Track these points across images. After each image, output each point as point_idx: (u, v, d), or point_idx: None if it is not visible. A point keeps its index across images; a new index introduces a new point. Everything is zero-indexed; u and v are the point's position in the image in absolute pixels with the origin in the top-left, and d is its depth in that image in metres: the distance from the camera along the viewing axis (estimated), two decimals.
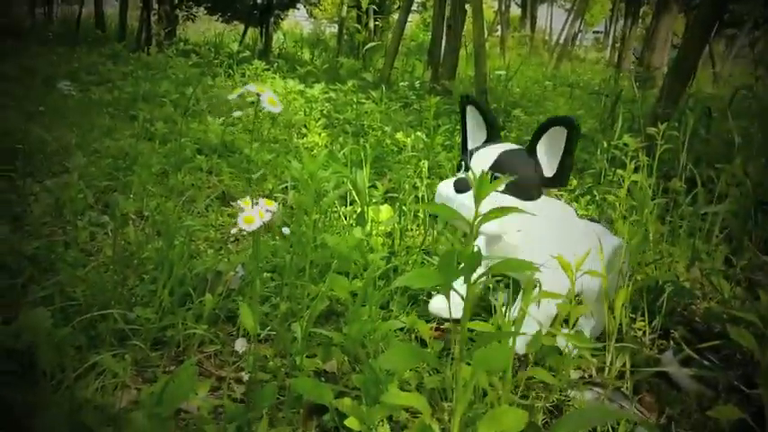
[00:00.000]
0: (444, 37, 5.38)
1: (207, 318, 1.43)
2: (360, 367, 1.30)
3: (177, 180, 2.47)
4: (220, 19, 9.44)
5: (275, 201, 1.44)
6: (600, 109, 4.25)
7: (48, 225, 1.98)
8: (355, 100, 4.07)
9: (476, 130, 1.46)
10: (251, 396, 1.15)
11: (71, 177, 2.05)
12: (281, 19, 10.44)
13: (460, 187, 1.28)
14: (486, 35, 5.21)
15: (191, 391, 1.01)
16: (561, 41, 9.98)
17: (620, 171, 1.90)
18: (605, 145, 2.76)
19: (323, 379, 1.33)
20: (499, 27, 12.27)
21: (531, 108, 4.49)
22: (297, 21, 13.93)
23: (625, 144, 1.98)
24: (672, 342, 1.53)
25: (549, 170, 1.33)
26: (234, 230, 2.11)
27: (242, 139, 3.24)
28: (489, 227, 1.14)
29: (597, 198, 2.42)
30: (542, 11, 21.22)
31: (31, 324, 1.09)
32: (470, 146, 1.44)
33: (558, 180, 1.32)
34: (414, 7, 6.73)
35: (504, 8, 14.52)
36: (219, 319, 1.52)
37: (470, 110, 1.46)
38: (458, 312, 1.28)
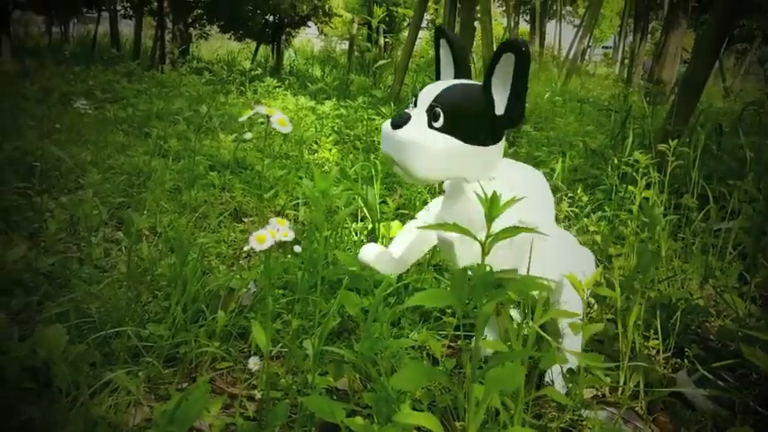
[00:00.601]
0: None
1: (219, 335, 1.44)
2: (371, 385, 1.30)
3: (190, 196, 2.49)
4: (233, 37, 9.52)
5: (286, 217, 1.46)
6: (610, 125, 4.24)
7: (63, 241, 2.00)
8: (366, 116, 4.09)
9: (446, 66, 1.30)
10: (263, 414, 1.16)
11: (86, 194, 2.07)
12: (293, 36, 10.52)
13: (397, 122, 1.13)
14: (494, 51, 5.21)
15: (203, 409, 1.02)
16: (570, 57, 9.98)
17: (631, 187, 1.90)
18: (616, 161, 2.76)
19: (334, 397, 1.33)
20: None
21: (541, 124, 4.49)
22: (308, 38, 14.03)
23: (636, 160, 1.98)
24: (686, 361, 1.52)
25: (501, 107, 1.14)
26: (246, 247, 2.12)
27: (254, 156, 3.26)
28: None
29: (608, 214, 2.41)
30: (551, 27, 21.24)
31: (47, 341, 1.10)
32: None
33: (510, 117, 1.13)
34: (423, 24, 6.76)
35: (513, 24, 14.57)
36: (232, 336, 1.52)
37: (443, 44, 1.29)
38: (388, 266, 1.24)
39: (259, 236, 1.04)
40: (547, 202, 1.26)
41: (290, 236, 1.06)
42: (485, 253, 0.73)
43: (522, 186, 1.15)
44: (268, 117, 1.16)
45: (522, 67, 1.08)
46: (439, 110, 1.11)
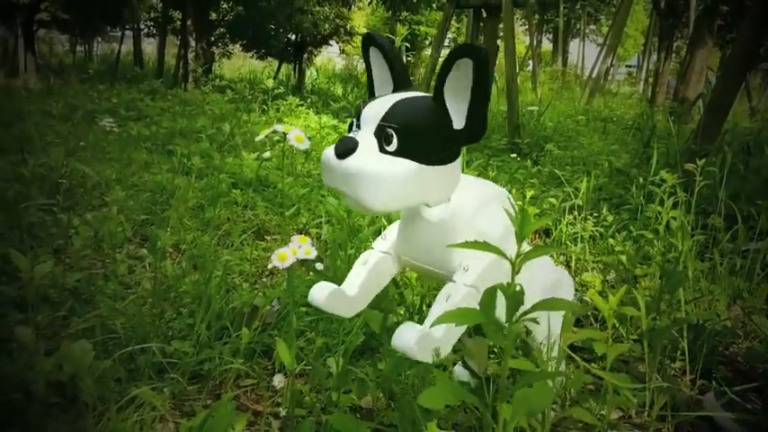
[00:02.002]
0: None
1: (243, 352, 1.44)
2: (395, 404, 1.29)
3: (213, 214, 2.50)
4: (255, 55, 9.63)
5: (309, 235, 1.46)
6: (634, 144, 4.22)
7: (87, 258, 2.02)
8: None
9: (381, 78, 1.13)
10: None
11: (110, 211, 2.09)
12: (314, 55, 10.61)
13: (343, 150, 0.95)
14: (517, 70, 5.23)
15: (229, 426, 1.01)
16: (594, 76, 9.97)
17: (657, 207, 1.88)
18: (641, 180, 2.74)
19: (358, 415, 1.32)
20: (531, 62, 12.31)
21: (564, 143, 4.48)
22: (329, 57, 14.16)
23: (662, 180, 1.96)
24: (713, 382, 1.49)
25: (459, 120, 1.00)
26: (270, 265, 2.13)
27: (276, 174, 3.28)
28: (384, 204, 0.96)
29: (634, 234, 2.39)
30: (574, 45, 21.25)
31: (74, 356, 1.11)
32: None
33: (471, 131, 1.00)
34: (445, 43, 6.79)
35: (535, 43, 14.59)
36: (256, 354, 1.52)
37: (374, 53, 1.12)
38: (340, 307, 1.09)
39: (281, 254, 1.03)
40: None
41: (312, 254, 1.05)
42: (515, 272, 0.73)
43: (488, 206, 1.07)
44: (285, 134, 1.13)
45: (482, 73, 0.95)
46: (390, 131, 0.96)
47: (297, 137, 1.10)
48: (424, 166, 0.97)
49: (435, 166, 0.99)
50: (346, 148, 0.95)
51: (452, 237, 1.03)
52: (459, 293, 1.00)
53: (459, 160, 1.05)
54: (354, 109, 1.04)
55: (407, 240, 1.12)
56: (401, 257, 1.15)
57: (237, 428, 1.19)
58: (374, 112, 0.99)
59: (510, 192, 2.92)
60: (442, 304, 0.99)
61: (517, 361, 0.92)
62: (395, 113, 0.97)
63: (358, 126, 1.01)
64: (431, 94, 1.03)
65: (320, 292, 1.08)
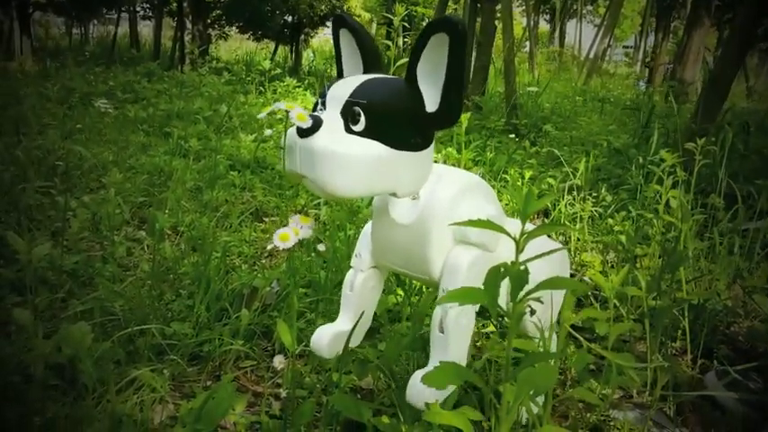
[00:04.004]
0: (474, 53, 5.38)
1: (243, 333, 1.44)
2: (396, 384, 1.29)
3: (211, 196, 2.49)
4: (251, 37, 9.57)
5: (308, 216, 1.45)
6: (632, 124, 4.21)
7: (85, 240, 2.01)
8: None
9: (351, 60, 1.07)
10: (288, 413, 1.15)
11: (108, 193, 2.08)
12: (311, 37, 10.54)
13: (306, 128, 0.89)
14: (515, 51, 5.20)
15: (229, 407, 1.01)
16: (591, 57, 9.93)
17: (656, 186, 1.87)
18: (640, 160, 2.73)
19: (359, 396, 1.32)
20: (528, 43, 12.25)
21: (562, 123, 4.46)
22: (326, 38, 14.05)
23: (662, 159, 1.95)
24: (714, 362, 1.50)
25: (432, 103, 0.93)
26: (269, 246, 2.12)
27: (274, 155, 3.26)
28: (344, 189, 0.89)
29: (633, 214, 2.38)
30: (571, 26, 21.15)
31: (73, 338, 1.10)
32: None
33: (445, 114, 0.93)
34: None
35: (532, 24, 14.51)
36: (255, 335, 1.52)
37: (344, 35, 1.06)
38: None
39: (282, 234, 1.01)
40: (496, 202, 1.07)
41: (308, 232, 1.01)
42: (519, 251, 0.72)
43: (464, 199, 1.00)
44: (287, 112, 1.11)
45: (458, 49, 0.88)
46: (358, 109, 0.89)
47: (299, 115, 1.06)
48: (392, 150, 0.91)
49: (405, 152, 0.92)
50: (310, 126, 0.88)
51: (427, 239, 0.99)
52: (449, 320, 0.97)
53: (432, 149, 0.98)
54: (320, 90, 0.95)
55: (381, 246, 1.08)
56: (381, 264, 1.12)
57: (238, 409, 1.19)
58: (341, 91, 0.92)
59: (508, 172, 2.93)
60: (438, 336, 0.97)
61: (520, 341, 0.92)
62: (363, 91, 0.91)
63: (323, 105, 0.94)
64: (401, 77, 0.95)
65: (320, 341, 1.08)
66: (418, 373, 0.95)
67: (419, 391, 0.93)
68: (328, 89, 0.95)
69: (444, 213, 0.98)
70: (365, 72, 1.03)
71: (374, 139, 0.90)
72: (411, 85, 0.93)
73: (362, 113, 0.89)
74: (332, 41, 1.09)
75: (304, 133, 0.88)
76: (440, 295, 1.00)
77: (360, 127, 0.89)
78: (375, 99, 0.90)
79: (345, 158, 0.88)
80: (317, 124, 0.88)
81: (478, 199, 1.02)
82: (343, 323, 1.11)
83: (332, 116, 0.91)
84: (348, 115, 0.90)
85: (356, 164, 0.88)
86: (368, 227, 1.12)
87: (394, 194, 0.96)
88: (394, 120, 0.91)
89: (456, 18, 0.88)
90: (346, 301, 1.13)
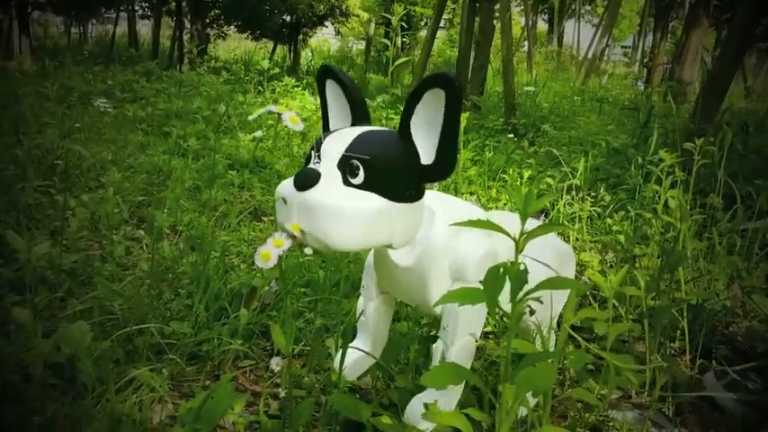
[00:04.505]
0: (472, 53, 5.38)
1: (242, 333, 1.44)
2: (395, 383, 1.29)
3: (210, 195, 2.49)
4: (250, 37, 9.55)
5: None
6: (631, 124, 4.21)
7: (84, 239, 2.01)
8: (384, 115, 4.08)
9: (338, 111, 1.08)
10: (287, 412, 1.15)
11: (107, 192, 2.08)
12: (309, 36, 10.53)
13: (304, 181, 0.88)
14: (513, 51, 5.20)
15: (228, 407, 1.01)
16: (589, 56, 9.93)
17: (655, 186, 1.87)
18: (639, 160, 2.73)
19: (357, 396, 1.32)
20: (526, 42, 12.25)
21: (561, 123, 4.46)
22: (325, 38, 14.05)
23: (660, 159, 1.95)
24: (713, 362, 1.50)
25: (427, 156, 0.94)
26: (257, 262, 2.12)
27: (272, 155, 3.26)
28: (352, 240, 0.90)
29: (631, 214, 2.38)
30: (570, 26, 21.16)
31: (72, 337, 1.10)
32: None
33: (440, 168, 0.94)
34: (440, 24, 6.75)
35: (531, 24, 14.50)
36: (254, 335, 1.52)
37: (330, 85, 1.07)
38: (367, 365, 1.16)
39: (264, 253, 0.94)
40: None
41: (286, 245, 0.95)
42: (518, 251, 0.72)
43: (459, 233, 1.01)
44: (279, 115, 1.09)
45: (454, 105, 0.89)
46: (356, 163, 0.89)
47: (291, 118, 1.06)
48: (390, 202, 0.91)
49: (401, 204, 0.93)
50: (307, 179, 0.88)
51: (426, 279, 1.00)
52: (450, 354, 1.01)
53: (425, 199, 0.99)
54: (312, 143, 0.94)
55: (384, 281, 1.10)
56: (387, 293, 1.16)
57: (236, 409, 1.19)
58: (337, 144, 0.93)
59: (506, 172, 2.92)
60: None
61: (519, 342, 0.92)
62: (360, 145, 0.91)
63: (318, 158, 0.93)
64: (394, 129, 0.98)
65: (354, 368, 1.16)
66: (417, 398, 1.01)
67: (417, 418, 0.98)
68: (323, 140, 0.95)
69: (442, 253, 0.99)
70: (353, 124, 1.03)
71: (372, 191, 0.90)
72: (405, 138, 0.95)
73: (361, 167, 0.89)
74: (317, 90, 1.09)
75: (302, 187, 0.88)
76: (441, 332, 1.04)
77: (358, 180, 0.90)
78: (374, 153, 0.91)
79: (346, 212, 0.88)
80: (315, 177, 0.88)
81: (474, 232, 1.01)
82: (361, 345, 1.19)
83: (329, 169, 0.91)
84: (346, 168, 0.90)
85: (356, 217, 0.89)
86: (371, 257, 1.14)
87: (389, 246, 0.97)
88: (392, 173, 0.92)
89: (451, 74, 0.90)
90: (362, 325, 1.19)
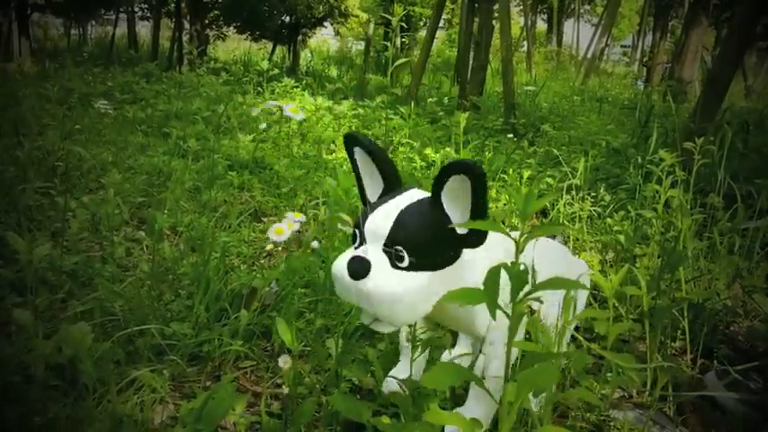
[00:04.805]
0: (471, 53, 5.38)
1: (242, 333, 1.44)
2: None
3: (210, 196, 2.49)
4: (249, 38, 9.55)
5: (304, 215, 1.46)
6: (631, 124, 4.21)
7: (85, 240, 2.01)
8: (384, 116, 4.08)
9: (370, 179, 1.13)
10: (289, 412, 1.15)
11: (107, 194, 2.07)
12: (309, 37, 10.53)
13: (357, 271, 0.98)
14: (512, 51, 5.20)
15: (230, 407, 1.01)
16: (588, 56, 9.93)
17: (655, 186, 1.87)
18: (639, 160, 2.73)
19: (358, 396, 1.32)
20: (526, 42, 12.25)
21: (560, 123, 4.46)
22: (324, 39, 14.05)
23: (660, 159, 1.95)
24: (714, 362, 1.50)
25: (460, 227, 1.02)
26: (268, 247, 2.12)
27: (272, 156, 3.26)
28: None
29: (632, 214, 2.38)
30: (569, 25, 21.15)
31: (73, 338, 1.10)
32: (370, 197, 1.13)
33: (474, 238, 1.01)
34: (439, 24, 6.75)
35: (530, 23, 14.50)
36: (255, 335, 1.52)
37: (359, 153, 1.12)
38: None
39: (278, 228, 1.03)
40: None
41: (295, 226, 1.05)
42: (519, 251, 0.72)
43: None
44: (281, 107, 1.13)
45: (480, 187, 0.95)
46: (401, 251, 0.97)
47: (292, 109, 1.09)
48: (435, 272, 1.00)
49: (445, 268, 1.01)
50: (360, 270, 0.97)
51: (472, 309, 1.08)
52: (490, 371, 1.09)
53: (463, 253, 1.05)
54: (358, 217, 1.05)
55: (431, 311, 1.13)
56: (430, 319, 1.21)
57: (237, 410, 1.19)
58: (378, 227, 1.00)
59: (506, 172, 2.92)
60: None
61: (520, 341, 0.92)
62: (401, 231, 0.99)
63: (363, 240, 1.02)
64: (427, 194, 1.04)
65: (390, 388, 1.22)
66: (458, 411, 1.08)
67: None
68: (365, 222, 1.02)
69: (478, 279, 1.03)
70: (385, 189, 1.10)
71: (419, 270, 0.98)
72: (439, 209, 1.01)
73: (406, 253, 0.97)
74: (349, 160, 1.14)
75: (356, 277, 0.97)
76: (485, 347, 1.12)
77: (405, 264, 0.98)
78: (415, 239, 0.98)
79: (399, 297, 0.97)
80: (367, 268, 0.97)
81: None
82: (404, 370, 1.25)
83: (376, 255, 0.99)
84: (392, 254, 0.99)
85: (411, 298, 0.98)
86: None
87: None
88: (433, 251, 1.00)
89: (472, 162, 0.95)
90: (405, 351, 1.28)
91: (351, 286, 0.98)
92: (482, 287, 0.97)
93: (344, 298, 1.03)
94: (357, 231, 1.04)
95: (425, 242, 0.99)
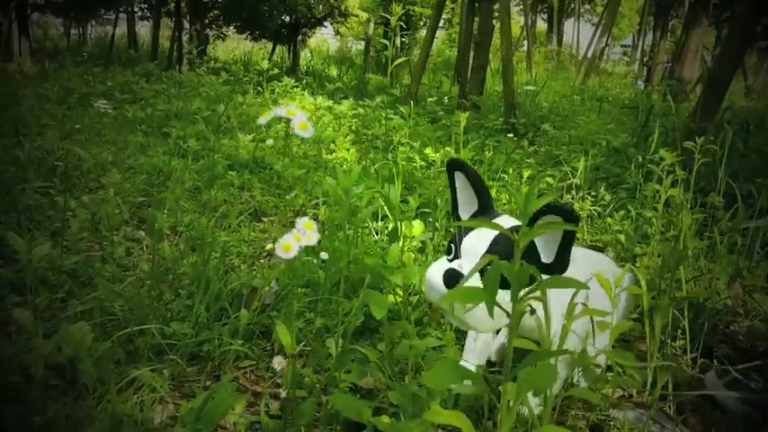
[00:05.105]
0: (472, 52, 5.38)
1: (242, 333, 1.44)
2: (394, 384, 1.29)
3: (210, 196, 2.49)
4: (249, 37, 9.55)
5: (306, 216, 1.46)
6: (631, 123, 4.21)
7: (85, 240, 2.01)
8: (384, 116, 4.08)
9: (466, 200, 1.29)
10: (288, 412, 1.15)
11: (107, 193, 2.07)
12: (309, 37, 10.53)
13: (450, 282, 1.11)
14: (513, 50, 5.20)
15: (229, 407, 1.01)
16: (589, 56, 9.93)
17: (655, 185, 1.87)
18: (639, 159, 2.73)
19: (358, 396, 1.32)
20: (526, 42, 12.25)
21: (560, 122, 4.46)
22: (324, 38, 14.05)
23: (661, 158, 1.95)
24: (715, 361, 1.50)
25: (546, 256, 1.15)
26: (268, 246, 2.12)
27: (272, 156, 3.26)
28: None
29: (632, 213, 2.38)
30: (569, 25, 21.16)
31: (73, 338, 1.10)
32: (462, 215, 1.30)
33: (557, 267, 1.13)
34: (439, 23, 6.75)
35: (530, 23, 14.50)
36: (255, 335, 1.52)
37: (459, 176, 1.28)
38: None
39: (285, 244, 1.01)
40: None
41: (314, 239, 1.04)
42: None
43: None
44: (289, 120, 1.10)
45: (570, 231, 1.11)
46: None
47: (301, 124, 1.07)
48: None
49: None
50: (453, 281, 1.10)
51: (542, 321, 1.12)
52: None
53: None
54: (453, 231, 1.25)
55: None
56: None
57: (237, 409, 1.19)
58: (474, 246, 1.14)
59: (506, 172, 2.92)
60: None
61: (521, 340, 0.92)
62: (494, 252, 1.11)
63: (457, 254, 1.15)
64: (518, 222, 1.16)
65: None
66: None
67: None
68: (462, 237, 1.14)
69: (554, 299, 1.11)
70: (479, 210, 1.25)
71: (504, 288, 1.00)
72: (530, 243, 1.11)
73: None
74: (447, 178, 1.31)
75: (450, 286, 1.10)
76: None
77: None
78: (506, 260, 1.04)
79: (486, 309, 1.00)
80: (458, 280, 1.10)
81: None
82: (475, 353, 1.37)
83: (469, 269, 1.08)
84: (485, 271, 1.02)
85: (498, 312, 0.99)
86: None
87: None
88: None
89: (567, 206, 1.09)
90: (469, 351, 1.38)
91: (443, 294, 1.07)
92: (559, 310, 1.12)
93: (433, 301, 1.17)
94: (453, 246, 1.17)
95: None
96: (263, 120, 1.18)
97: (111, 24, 10.40)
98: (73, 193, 2.44)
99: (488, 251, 1.11)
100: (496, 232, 1.14)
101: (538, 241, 1.14)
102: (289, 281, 1.66)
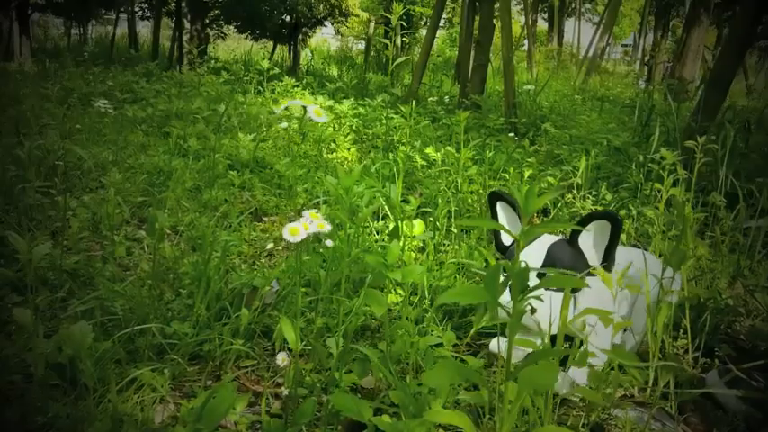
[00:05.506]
0: (472, 52, 5.38)
1: (243, 333, 1.43)
2: (395, 383, 1.29)
3: (210, 195, 2.49)
4: (250, 37, 9.55)
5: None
6: (632, 123, 4.20)
7: (85, 240, 2.01)
8: (384, 115, 4.08)
9: (511, 223, 1.46)
10: (289, 412, 1.15)
11: (108, 193, 2.08)
12: (309, 36, 10.53)
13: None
14: (513, 50, 5.20)
15: (230, 406, 1.01)
16: (589, 55, 9.92)
17: (657, 185, 1.86)
18: (640, 159, 2.72)
19: (359, 395, 1.32)
20: (526, 41, 12.24)
21: (561, 122, 4.45)
22: (324, 38, 14.05)
23: (662, 157, 1.94)
24: (716, 360, 1.49)
25: (592, 259, 1.32)
26: (269, 246, 2.12)
27: (273, 155, 3.26)
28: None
29: (633, 213, 2.38)
30: (570, 25, 21.14)
31: (73, 337, 1.10)
32: (507, 242, 1.46)
33: (606, 268, 1.31)
34: (440, 23, 6.74)
35: (531, 22, 14.48)
36: (255, 334, 1.51)
37: (501, 206, 1.46)
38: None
39: (292, 228, 1.02)
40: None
41: (326, 227, 1.04)
42: (519, 249, 0.72)
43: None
44: (305, 107, 1.18)
45: (617, 232, 1.28)
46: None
47: (316, 111, 1.20)
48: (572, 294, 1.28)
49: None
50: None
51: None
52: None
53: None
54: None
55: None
56: None
57: (238, 409, 1.18)
58: (531, 254, 1.33)
59: (507, 171, 2.92)
60: None
61: (522, 339, 0.92)
62: (550, 262, 1.31)
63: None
64: (558, 237, 1.38)
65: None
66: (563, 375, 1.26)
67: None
68: (518, 249, 1.18)
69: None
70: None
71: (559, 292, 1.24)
72: (576, 248, 1.34)
73: None
74: (488, 205, 1.50)
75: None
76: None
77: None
78: (560, 268, 1.25)
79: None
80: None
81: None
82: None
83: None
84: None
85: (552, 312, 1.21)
86: None
87: None
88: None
89: (616, 213, 1.29)
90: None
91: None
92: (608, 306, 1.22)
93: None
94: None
95: (570, 267, 1.28)
96: (279, 110, 1.26)
97: (111, 24, 10.42)
98: (73, 192, 2.44)
99: (545, 262, 1.29)
100: (546, 248, 1.32)
101: (585, 247, 1.32)
102: (290, 279, 1.66)
